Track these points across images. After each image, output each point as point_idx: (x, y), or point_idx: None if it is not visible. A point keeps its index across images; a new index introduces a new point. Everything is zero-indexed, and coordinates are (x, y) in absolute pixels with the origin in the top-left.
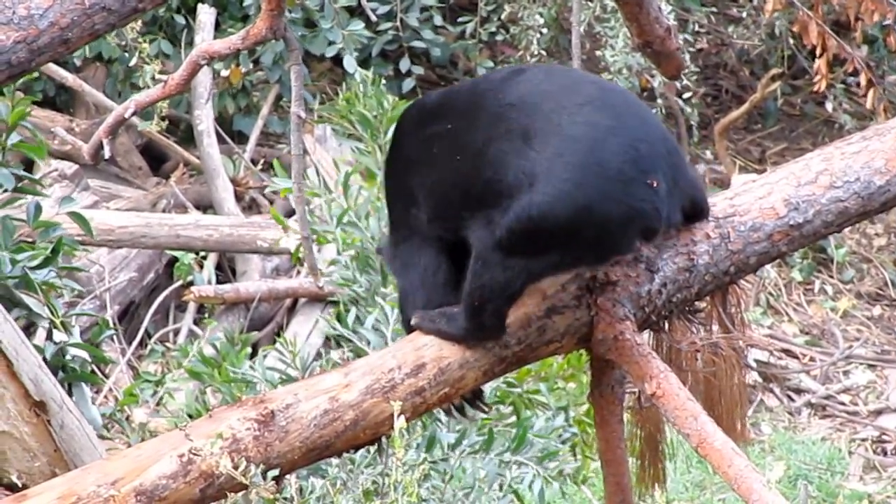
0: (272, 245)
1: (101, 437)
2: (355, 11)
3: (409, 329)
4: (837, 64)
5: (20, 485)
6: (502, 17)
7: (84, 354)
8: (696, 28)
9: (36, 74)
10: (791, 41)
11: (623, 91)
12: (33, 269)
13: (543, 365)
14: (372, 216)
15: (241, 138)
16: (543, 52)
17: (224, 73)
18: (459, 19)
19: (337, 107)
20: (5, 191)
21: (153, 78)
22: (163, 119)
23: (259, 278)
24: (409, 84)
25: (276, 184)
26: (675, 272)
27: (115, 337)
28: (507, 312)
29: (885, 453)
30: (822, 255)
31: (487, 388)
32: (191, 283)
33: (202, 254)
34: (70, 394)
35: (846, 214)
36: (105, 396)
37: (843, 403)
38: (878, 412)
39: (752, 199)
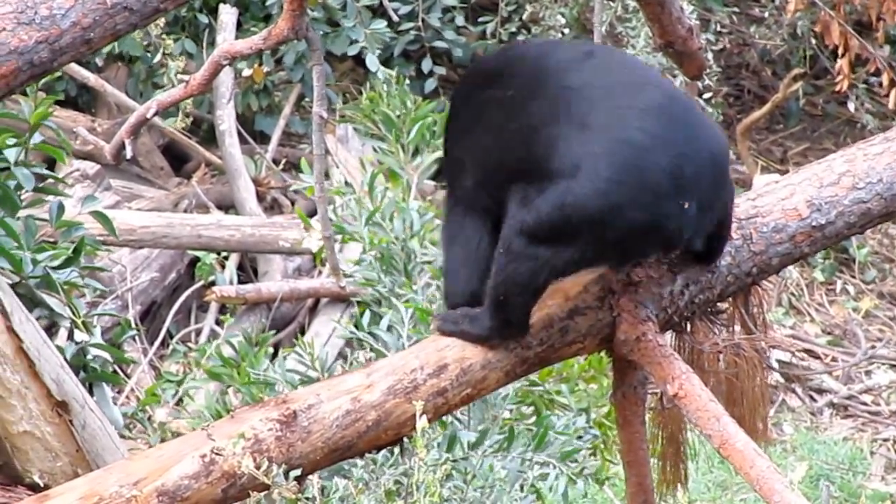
0: (294, 245)
1: (123, 437)
2: (377, 11)
3: (452, 306)
4: (859, 64)
5: (42, 485)
6: (523, 17)
7: (105, 355)
8: (718, 28)
9: (58, 74)
10: (813, 41)
11: (688, 102)
12: (55, 268)
13: (565, 366)
14: (396, 217)
15: (262, 138)
16: None
17: (246, 72)
18: (480, 19)
19: (360, 106)
20: (27, 191)
21: (177, 74)
22: (186, 116)
23: (281, 278)
24: (430, 84)
25: (303, 181)
26: (698, 273)
27: (136, 337)
28: (531, 309)
29: None
30: (844, 255)
31: (509, 386)
32: (213, 284)
33: (224, 254)
34: (91, 394)
35: (869, 215)
36: (127, 396)
37: (865, 403)
38: None
39: (775, 200)
